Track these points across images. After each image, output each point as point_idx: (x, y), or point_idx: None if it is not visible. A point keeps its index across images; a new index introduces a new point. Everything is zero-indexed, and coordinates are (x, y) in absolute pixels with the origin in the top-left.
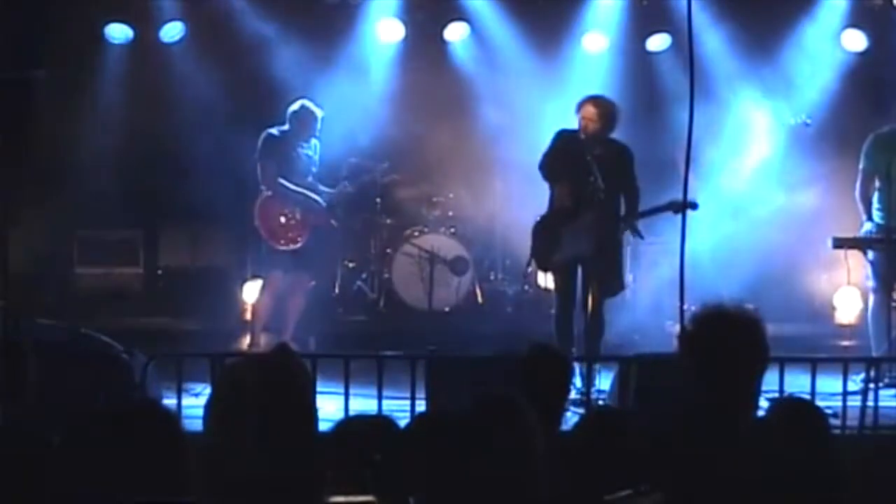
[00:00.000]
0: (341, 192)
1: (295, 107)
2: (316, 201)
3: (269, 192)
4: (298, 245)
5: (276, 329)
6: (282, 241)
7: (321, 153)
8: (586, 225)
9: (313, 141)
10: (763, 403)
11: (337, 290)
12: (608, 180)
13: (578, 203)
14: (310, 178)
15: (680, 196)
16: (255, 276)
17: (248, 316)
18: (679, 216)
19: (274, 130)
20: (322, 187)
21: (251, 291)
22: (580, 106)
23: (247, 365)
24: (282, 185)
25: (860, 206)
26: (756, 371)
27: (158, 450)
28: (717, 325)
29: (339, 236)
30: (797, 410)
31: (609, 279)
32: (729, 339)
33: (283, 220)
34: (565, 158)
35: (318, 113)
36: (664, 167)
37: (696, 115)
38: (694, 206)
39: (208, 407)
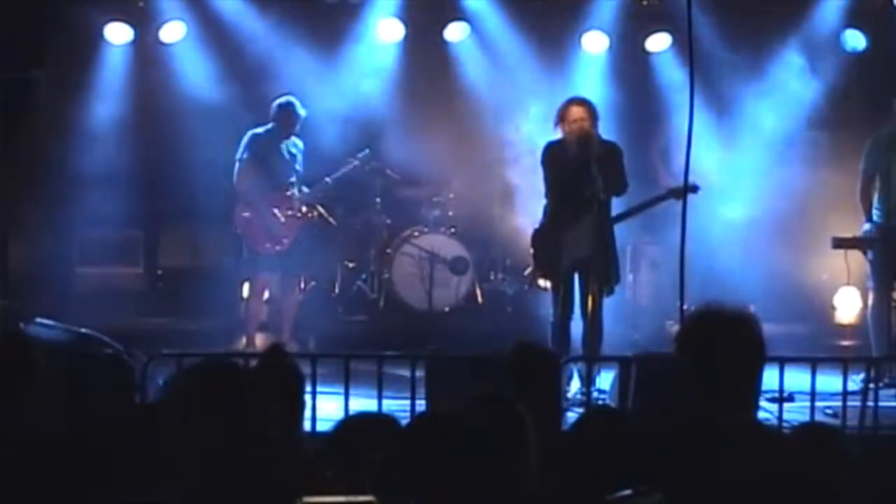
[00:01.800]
0: (321, 188)
1: (275, 106)
2: (292, 199)
3: (241, 197)
4: (285, 246)
5: (275, 329)
6: (267, 245)
7: (319, 154)
8: (586, 227)
9: (296, 140)
10: (765, 404)
11: (337, 290)
12: (605, 180)
13: (578, 207)
14: (293, 178)
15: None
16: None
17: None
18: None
19: (259, 130)
20: (304, 188)
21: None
22: (564, 111)
23: (193, 373)
24: (251, 187)
25: (861, 207)
26: (754, 371)
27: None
28: (713, 326)
29: (337, 235)
30: (821, 433)
31: (607, 277)
32: (726, 339)
33: (254, 222)
34: (563, 169)
35: (302, 112)
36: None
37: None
38: (695, 188)
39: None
